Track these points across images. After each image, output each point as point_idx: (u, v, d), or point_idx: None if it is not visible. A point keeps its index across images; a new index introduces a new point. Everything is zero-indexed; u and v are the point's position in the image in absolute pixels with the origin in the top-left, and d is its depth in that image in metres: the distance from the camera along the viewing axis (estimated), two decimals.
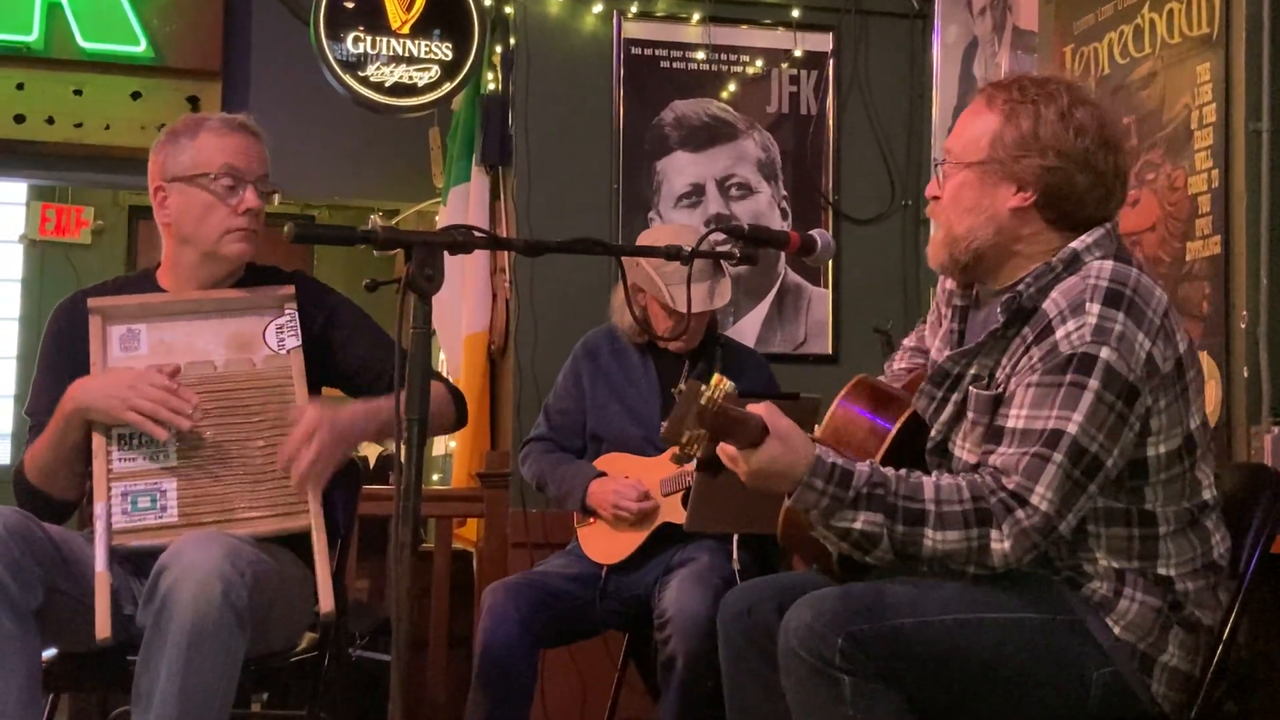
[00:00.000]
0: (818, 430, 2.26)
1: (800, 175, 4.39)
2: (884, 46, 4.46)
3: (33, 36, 5.17)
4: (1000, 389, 2.08)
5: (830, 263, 4.32)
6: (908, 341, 2.59)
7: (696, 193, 4.30)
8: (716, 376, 1.94)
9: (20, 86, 5.27)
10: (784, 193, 4.37)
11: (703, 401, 1.92)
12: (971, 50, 4.17)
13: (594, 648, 3.67)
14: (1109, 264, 2.06)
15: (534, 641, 3.09)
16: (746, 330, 4.27)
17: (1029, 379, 2.02)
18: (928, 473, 2.10)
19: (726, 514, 3.06)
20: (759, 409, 2.00)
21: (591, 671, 3.87)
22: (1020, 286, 2.09)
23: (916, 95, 4.44)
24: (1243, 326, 2.91)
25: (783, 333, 4.34)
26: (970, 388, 2.12)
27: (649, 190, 4.28)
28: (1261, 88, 2.92)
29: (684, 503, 3.10)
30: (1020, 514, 1.97)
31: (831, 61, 4.41)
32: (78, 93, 5.31)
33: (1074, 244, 2.09)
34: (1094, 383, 1.97)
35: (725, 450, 2.03)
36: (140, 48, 5.27)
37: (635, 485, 3.22)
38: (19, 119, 5.29)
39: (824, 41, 4.42)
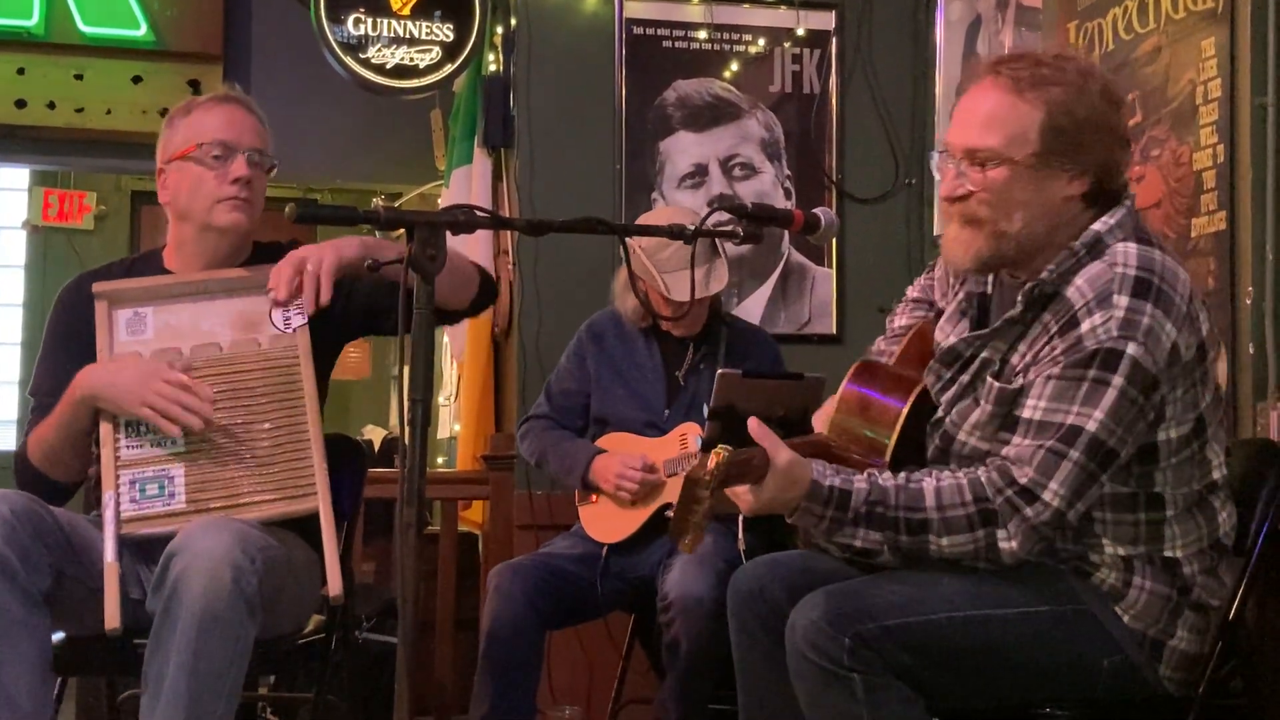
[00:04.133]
0: (822, 422, 2.25)
1: (804, 155, 4.37)
2: (887, 24, 4.43)
3: (33, 21, 5.16)
4: (1019, 380, 2.05)
5: (834, 242, 4.30)
6: (911, 292, 2.55)
7: (700, 173, 4.29)
8: (713, 454, 1.92)
9: (21, 71, 5.27)
10: (787, 172, 4.35)
11: (702, 490, 1.92)
12: (975, 28, 4.15)
13: (600, 629, 3.68)
14: (1133, 248, 2.01)
15: (540, 623, 3.10)
16: (751, 310, 4.26)
17: (1050, 370, 1.99)
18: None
19: None
20: (762, 441, 2.00)
21: (598, 653, 3.87)
22: (1044, 275, 2.04)
23: (920, 73, 4.42)
24: (1248, 302, 2.90)
25: (787, 313, 4.33)
26: (989, 378, 2.09)
27: (652, 171, 4.26)
28: (1267, 62, 2.90)
29: None
30: (1029, 511, 1.96)
31: (834, 40, 4.39)
32: (79, 77, 5.31)
33: (1096, 226, 2.05)
34: (1118, 379, 1.94)
35: (733, 491, 2.02)
36: (141, 31, 5.26)
37: (640, 458, 3.21)
38: (20, 104, 5.28)
39: (826, 20, 4.39)
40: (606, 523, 3.28)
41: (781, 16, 4.37)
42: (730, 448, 1.93)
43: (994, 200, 2.05)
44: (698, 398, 3.28)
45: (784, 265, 4.35)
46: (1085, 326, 1.97)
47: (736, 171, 4.31)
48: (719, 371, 2.89)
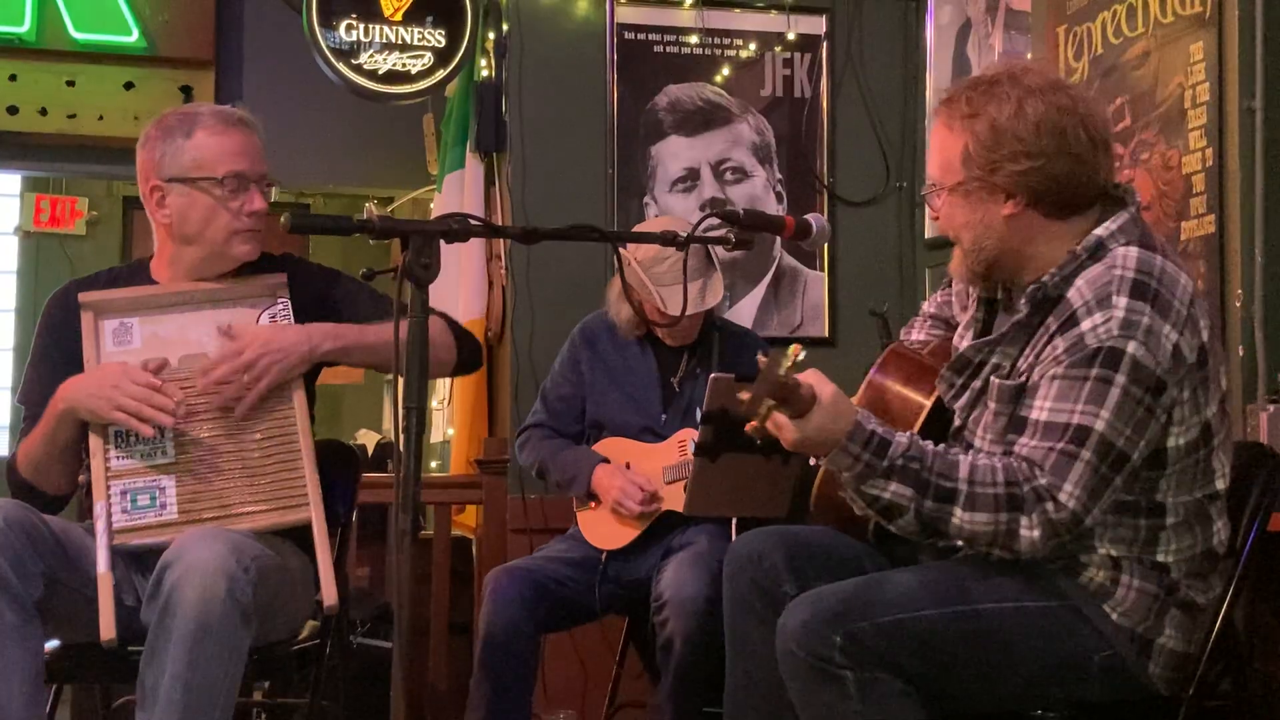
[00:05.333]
0: (854, 399, 2.26)
1: (795, 158, 4.38)
2: (877, 28, 4.45)
3: (24, 28, 5.16)
4: (1023, 379, 2.07)
5: (826, 246, 4.32)
6: (926, 308, 2.58)
7: (691, 177, 4.30)
8: (794, 347, 1.97)
9: (13, 78, 5.26)
10: (779, 176, 4.36)
11: (781, 371, 1.94)
12: (965, 32, 4.16)
13: (594, 632, 3.69)
14: (1134, 252, 2.03)
15: (535, 626, 3.10)
16: (743, 314, 4.27)
17: (1053, 370, 2.01)
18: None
19: (725, 497, 3.06)
20: (808, 378, 2.01)
21: (592, 656, 3.88)
22: (1045, 278, 2.07)
23: (910, 77, 4.44)
24: (1238, 305, 2.91)
25: (779, 316, 4.34)
26: (993, 378, 2.11)
27: (644, 175, 4.27)
28: (1255, 66, 2.91)
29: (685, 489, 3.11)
30: (1049, 506, 1.98)
31: (825, 44, 4.40)
32: (70, 84, 5.31)
33: (1097, 231, 2.07)
34: (1121, 378, 1.96)
35: (776, 424, 2.03)
36: (132, 38, 5.25)
37: (644, 486, 3.21)
38: (12, 110, 5.28)
39: (817, 24, 4.41)
40: (605, 529, 3.28)
41: (772, 21, 4.38)
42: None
43: (945, 224, 2.19)
44: (693, 403, 3.28)
45: (776, 268, 4.36)
46: (1085, 325, 1.99)
47: (728, 175, 4.32)
48: (711, 376, 2.90)
